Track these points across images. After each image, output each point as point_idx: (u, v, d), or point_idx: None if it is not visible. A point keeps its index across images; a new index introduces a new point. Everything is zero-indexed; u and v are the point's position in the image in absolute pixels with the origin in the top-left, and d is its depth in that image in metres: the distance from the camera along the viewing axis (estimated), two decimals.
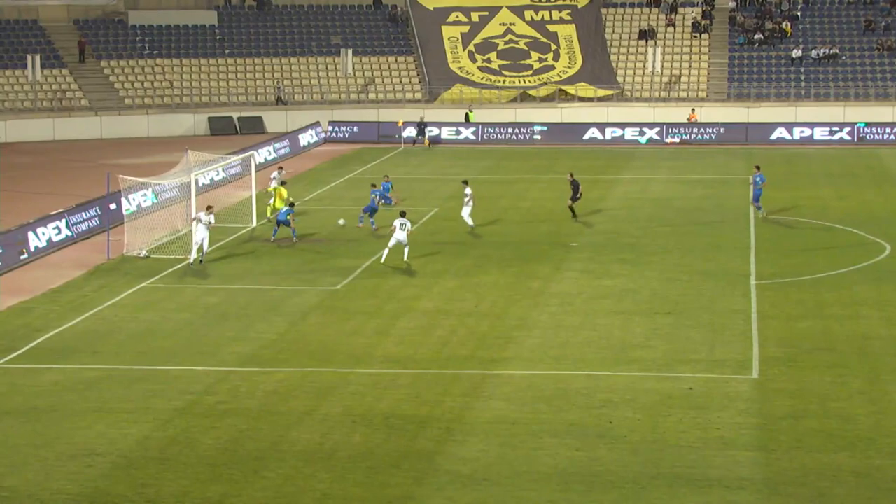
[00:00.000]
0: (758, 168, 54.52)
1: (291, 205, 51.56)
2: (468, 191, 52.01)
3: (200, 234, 45.88)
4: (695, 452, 27.26)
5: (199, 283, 44.15)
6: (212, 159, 57.77)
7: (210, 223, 46.18)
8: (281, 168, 60.36)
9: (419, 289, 42.70)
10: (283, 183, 56.63)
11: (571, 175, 54.44)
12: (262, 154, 71.74)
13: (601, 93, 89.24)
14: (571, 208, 53.97)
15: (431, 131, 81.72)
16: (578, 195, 53.72)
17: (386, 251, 46.08)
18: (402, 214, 46.50)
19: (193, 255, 46.04)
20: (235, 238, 51.44)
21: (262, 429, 28.99)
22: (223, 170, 63.68)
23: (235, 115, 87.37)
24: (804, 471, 26.22)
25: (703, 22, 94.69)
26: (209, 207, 47.32)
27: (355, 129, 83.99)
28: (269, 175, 58.93)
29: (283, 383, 32.45)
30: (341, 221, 51.91)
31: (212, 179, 63.16)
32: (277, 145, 75.99)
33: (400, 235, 45.66)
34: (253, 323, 38.54)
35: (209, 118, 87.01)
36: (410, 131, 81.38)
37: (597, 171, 68.53)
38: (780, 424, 28.95)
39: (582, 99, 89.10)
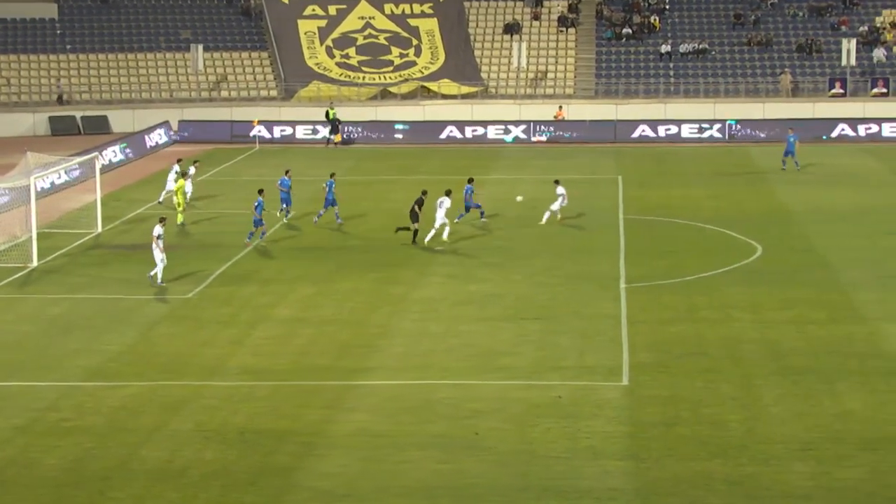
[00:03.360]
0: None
1: (260, 192, 51.26)
2: (560, 190, 54.04)
3: (159, 252, 43.61)
4: (564, 463, 27.50)
5: (41, 292, 43.45)
6: (53, 161, 56.91)
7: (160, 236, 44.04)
8: (180, 160, 61.05)
9: (276, 296, 42.51)
10: (183, 174, 57.30)
11: (424, 193, 50.67)
12: (108, 155, 70.82)
13: (465, 90, 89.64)
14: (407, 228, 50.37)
15: (347, 130, 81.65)
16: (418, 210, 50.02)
17: (432, 232, 49.38)
18: (447, 193, 50.24)
19: (161, 277, 43.76)
20: (79, 245, 50.72)
21: (109, 447, 28.61)
22: (65, 172, 62.77)
23: (78, 114, 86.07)
24: (676, 480, 26.59)
25: (569, 16, 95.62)
26: (162, 219, 45.98)
27: (208, 128, 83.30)
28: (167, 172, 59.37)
29: (132, 398, 32.07)
30: (519, 198, 55.44)
31: (52, 183, 62.17)
32: (124, 146, 75.04)
33: (439, 213, 49.46)
34: (99, 334, 38.05)
35: (50, 118, 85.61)
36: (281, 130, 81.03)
37: (462, 172, 68.66)
38: (651, 432, 29.32)
39: (445, 96, 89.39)
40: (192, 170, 59.36)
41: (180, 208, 53.95)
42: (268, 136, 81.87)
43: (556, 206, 54.07)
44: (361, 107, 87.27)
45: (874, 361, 34.64)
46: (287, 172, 55.78)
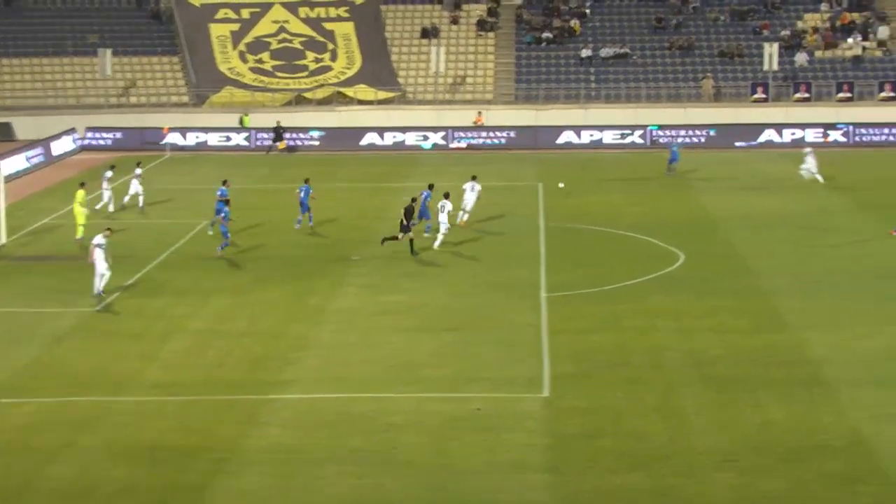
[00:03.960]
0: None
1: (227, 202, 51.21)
2: (473, 186, 55.39)
3: (102, 263, 42.74)
4: (483, 477, 27.51)
5: None
6: None
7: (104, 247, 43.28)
8: (113, 166, 61.75)
9: (189, 307, 42.24)
10: (81, 184, 55.83)
11: (413, 200, 50.81)
12: (12, 164, 69.97)
13: (382, 95, 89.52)
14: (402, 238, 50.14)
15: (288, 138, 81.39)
16: (413, 222, 49.98)
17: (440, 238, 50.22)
18: (446, 196, 50.60)
19: (100, 287, 42.71)
20: None
21: (13, 465, 28.33)
22: None
23: None
24: (598, 492, 26.68)
25: (488, 20, 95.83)
26: (108, 230, 45.17)
27: (117, 135, 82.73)
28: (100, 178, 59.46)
29: (36, 415, 31.77)
30: (561, 185, 57.84)
31: None
32: (29, 154, 74.37)
33: (441, 217, 50.12)
34: (3, 349, 37.68)
35: None
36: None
37: (379, 179, 68.81)
38: (572, 444, 29.41)
39: (362, 102, 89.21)
40: (109, 173, 59.43)
41: (81, 221, 52.58)
42: (180, 143, 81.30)
43: (468, 206, 54.78)
44: (275, 113, 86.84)
45: (797, 370, 34.97)
46: (225, 182, 55.38)
